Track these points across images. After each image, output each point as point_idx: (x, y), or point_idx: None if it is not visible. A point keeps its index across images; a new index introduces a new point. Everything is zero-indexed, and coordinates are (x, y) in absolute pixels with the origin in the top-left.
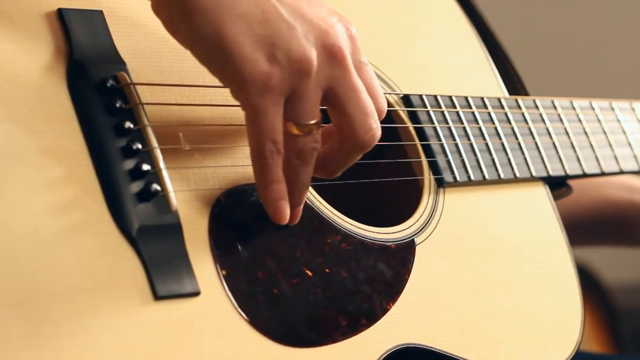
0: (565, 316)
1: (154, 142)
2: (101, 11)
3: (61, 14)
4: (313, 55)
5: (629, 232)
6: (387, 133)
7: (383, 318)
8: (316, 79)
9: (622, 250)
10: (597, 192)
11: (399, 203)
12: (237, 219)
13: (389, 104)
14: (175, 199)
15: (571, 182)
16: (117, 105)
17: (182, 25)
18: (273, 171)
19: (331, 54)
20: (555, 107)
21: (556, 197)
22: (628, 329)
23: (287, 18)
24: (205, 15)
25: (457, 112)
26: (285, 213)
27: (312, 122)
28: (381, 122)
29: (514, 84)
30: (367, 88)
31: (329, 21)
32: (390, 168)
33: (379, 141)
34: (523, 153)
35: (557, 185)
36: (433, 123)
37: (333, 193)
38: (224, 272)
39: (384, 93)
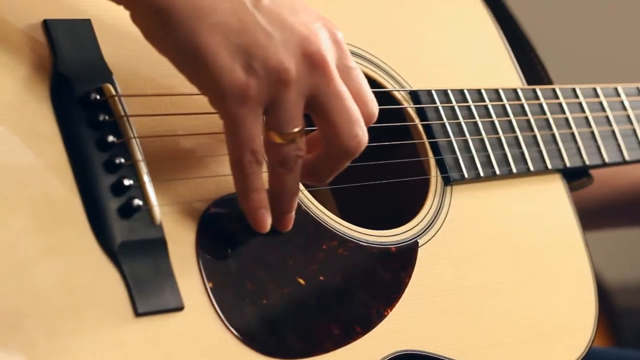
0: (578, 314)
1: (138, 155)
2: (89, 20)
3: (47, 25)
4: (291, 64)
5: None
6: (397, 130)
7: (380, 325)
8: (297, 87)
9: (622, 250)
10: (631, 174)
11: (407, 203)
12: (226, 229)
13: (397, 102)
14: (160, 212)
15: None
16: (100, 118)
17: (158, 35)
18: (252, 181)
19: (312, 61)
20: (577, 96)
21: (577, 188)
22: (628, 329)
23: (265, 26)
24: (182, 25)
25: (469, 107)
26: (266, 222)
27: (295, 130)
28: (389, 120)
29: (537, 72)
30: (355, 93)
31: (311, 27)
32: (401, 166)
33: (388, 140)
34: (539, 147)
35: (577, 175)
36: (441, 119)
37: (342, 195)
38: (210, 285)
39: (391, 90)
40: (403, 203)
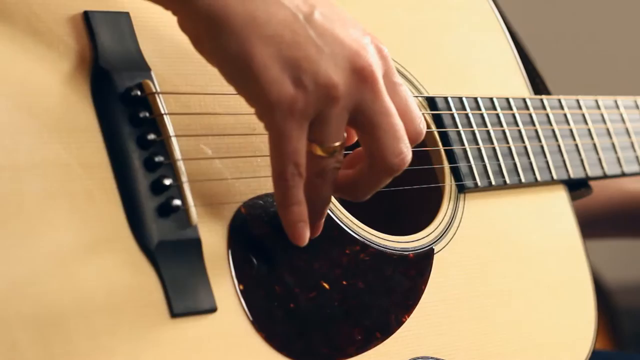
0: (579, 325)
1: (178, 154)
2: (128, 13)
3: (87, 17)
4: (340, 80)
5: None
6: None
7: (398, 331)
8: (343, 102)
9: (622, 250)
10: (615, 185)
11: (421, 210)
12: (256, 231)
13: None
14: (196, 213)
15: None
16: (141, 115)
17: (209, 44)
18: (294, 193)
19: (361, 76)
20: (580, 107)
21: (576, 198)
22: (628, 329)
23: (316, 40)
24: (234, 35)
25: (482, 115)
26: (305, 235)
27: (337, 144)
28: None
29: (536, 85)
30: (401, 109)
31: (361, 42)
32: (413, 173)
33: None
34: (545, 157)
35: (577, 185)
36: (457, 127)
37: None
38: (241, 287)
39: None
40: (412, 211)
